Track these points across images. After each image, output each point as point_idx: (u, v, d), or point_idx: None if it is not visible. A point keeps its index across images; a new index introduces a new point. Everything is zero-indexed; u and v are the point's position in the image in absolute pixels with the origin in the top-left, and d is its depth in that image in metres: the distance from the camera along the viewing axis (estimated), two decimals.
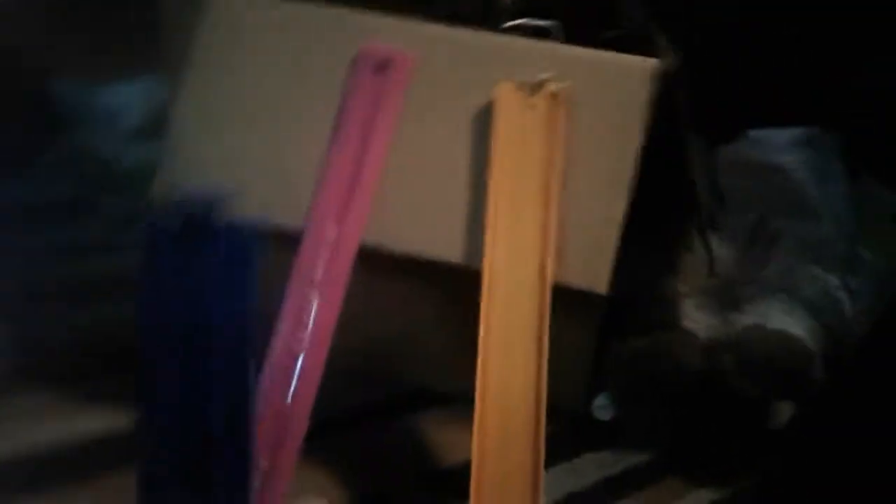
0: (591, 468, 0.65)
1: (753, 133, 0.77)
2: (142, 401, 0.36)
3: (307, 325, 0.60)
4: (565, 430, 0.67)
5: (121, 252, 0.85)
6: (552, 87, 0.61)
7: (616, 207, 0.61)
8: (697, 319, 0.69)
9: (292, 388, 0.57)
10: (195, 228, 0.34)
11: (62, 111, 1.06)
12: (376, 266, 0.63)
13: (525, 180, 0.61)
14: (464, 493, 0.54)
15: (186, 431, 0.37)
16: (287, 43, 0.65)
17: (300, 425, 0.57)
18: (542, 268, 0.59)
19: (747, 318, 0.68)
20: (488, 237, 0.60)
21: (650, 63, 0.62)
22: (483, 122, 0.62)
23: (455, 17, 0.67)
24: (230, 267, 0.35)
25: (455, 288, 0.62)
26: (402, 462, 0.65)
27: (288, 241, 0.61)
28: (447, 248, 0.62)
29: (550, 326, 0.59)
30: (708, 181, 0.80)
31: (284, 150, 0.64)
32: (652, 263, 0.72)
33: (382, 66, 0.63)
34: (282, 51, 0.65)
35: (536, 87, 0.61)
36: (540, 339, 0.58)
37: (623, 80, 0.61)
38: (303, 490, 0.59)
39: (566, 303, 0.61)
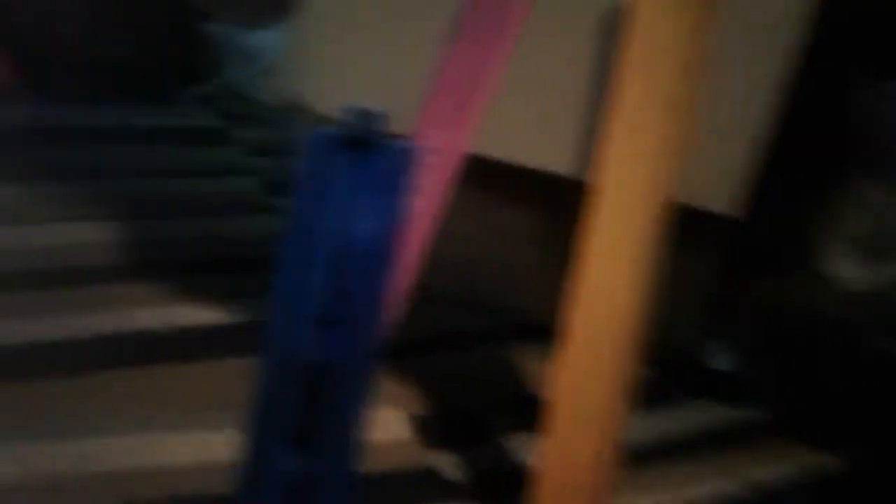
0: (693, 416, 0.59)
1: None
2: (275, 300, 0.35)
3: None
4: (674, 374, 0.62)
5: (249, 175, 0.89)
6: None
7: (760, 125, 0.54)
8: (842, 268, 0.60)
9: None
10: (356, 141, 0.34)
11: (213, 51, 1.11)
12: (483, 186, 0.60)
13: (655, 86, 0.55)
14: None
15: (312, 339, 0.35)
16: None
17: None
18: (660, 184, 0.53)
19: None
20: (604, 146, 0.54)
21: None
22: (615, 26, 0.57)
23: None
24: (383, 183, 0.35)
25: (568, 218, 0.57)
26: (488, 387, 0.61)
27: None
28: (559, 159, 0.57)
29: (669, 256, 0.53)
30: (878, 119, 0.70)
31: (402, 57, 0.62)
32: (798, 201, 0.64)
33: None
34: None
35: None
36: (644, 264, 0.52)
37: None
38: (382, 399, 0.57)
39: (693, 230, 0.55)
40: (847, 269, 0.60)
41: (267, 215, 0.81)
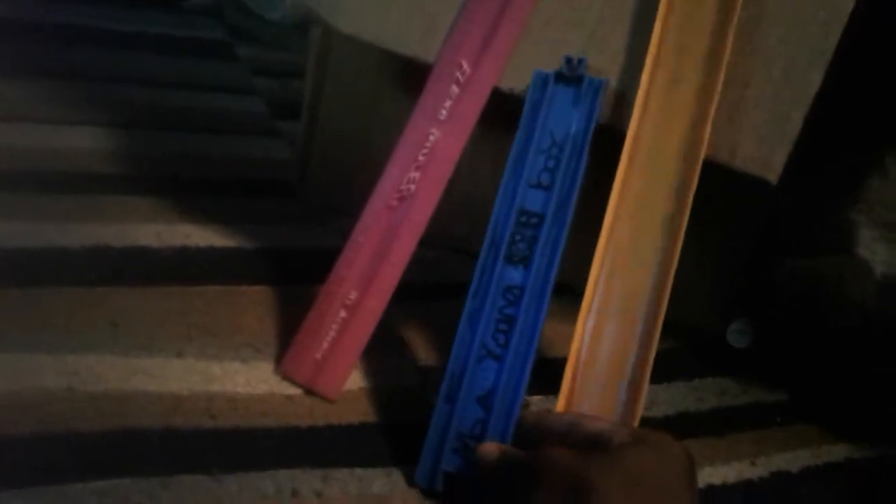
0: (712, 393, 0.56)
1: None
2: (506, 170, 0.52)
3: (422, 166, 0.53)
4: (692, 347, 0.59)
5: (253, 95, 0.84)
6: None
7: (807, 86, 0.50)
8: (877, 251, 0.58)
9: (394, 230, 0.52)
10: (565, 77, 0.52)
11: None
12: (507, 124, 0.56)
13: (696, 38, 0.51)
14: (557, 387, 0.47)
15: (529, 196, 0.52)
16: None
17: (396, 266, 0.51)
18: (696, 141, 0.50)
19: None
20: (640, 97, 0.51)
21: None
22: None
23: None
24: (581, 105, 0.51)
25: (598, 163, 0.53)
26: None
27: (417, 75, 0.55)
28: None
29: (698, 222, 0.50)
30: None
31: None
32: (835, 179, 0.60)
33: None
34: None
35: None
36: (677, 222, 0.49)
37: None
38: (387, 343, 0.54)
39: (724, 194, 0.52)
40: (881, 254, 0.58)
41: (270, 138, 0.77)
